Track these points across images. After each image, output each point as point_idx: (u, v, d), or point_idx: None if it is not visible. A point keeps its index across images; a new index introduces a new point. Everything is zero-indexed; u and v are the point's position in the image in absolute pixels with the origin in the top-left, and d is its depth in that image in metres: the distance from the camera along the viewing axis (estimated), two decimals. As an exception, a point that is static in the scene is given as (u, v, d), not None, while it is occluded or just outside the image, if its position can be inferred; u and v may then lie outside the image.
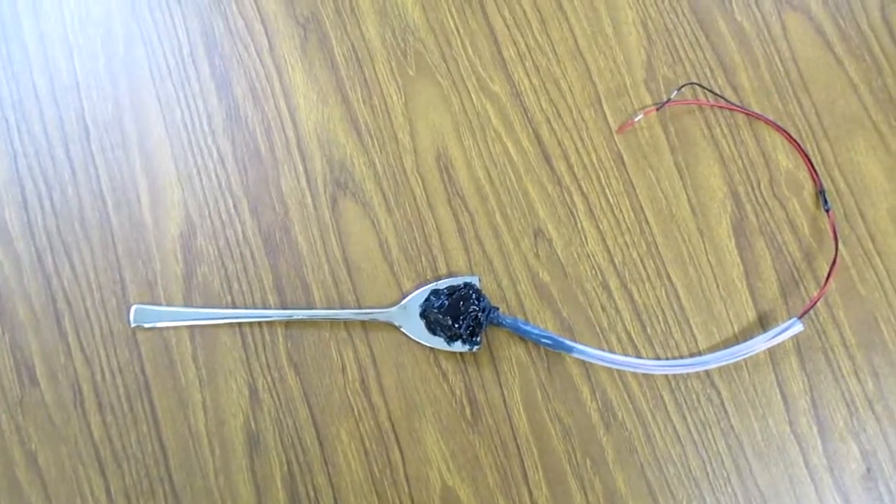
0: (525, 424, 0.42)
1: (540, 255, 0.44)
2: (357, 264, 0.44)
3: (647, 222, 0.44)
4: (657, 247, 0.44)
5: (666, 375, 0.42)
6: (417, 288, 0.43)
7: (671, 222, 0.44)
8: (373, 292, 0.43)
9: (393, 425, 0.42)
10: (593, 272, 0.43)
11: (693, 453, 0.42)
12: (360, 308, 0.43)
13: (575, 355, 0.42)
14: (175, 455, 0.41)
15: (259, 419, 0.42)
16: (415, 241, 0.44)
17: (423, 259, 0.44)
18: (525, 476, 0.41)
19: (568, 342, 0.41)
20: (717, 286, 0.43)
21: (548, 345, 0.42)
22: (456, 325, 0.41)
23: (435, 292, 0.42)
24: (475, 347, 0.42)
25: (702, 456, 0.42)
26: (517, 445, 0.42)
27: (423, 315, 0.42)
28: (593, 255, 0.44)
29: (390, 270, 0.44)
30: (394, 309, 0.42)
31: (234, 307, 0.43)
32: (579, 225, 0.44)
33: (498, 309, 0.42)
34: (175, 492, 0.41)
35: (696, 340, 0.43)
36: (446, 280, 0.43)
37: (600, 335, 0.43)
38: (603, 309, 0.43)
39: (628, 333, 0.43)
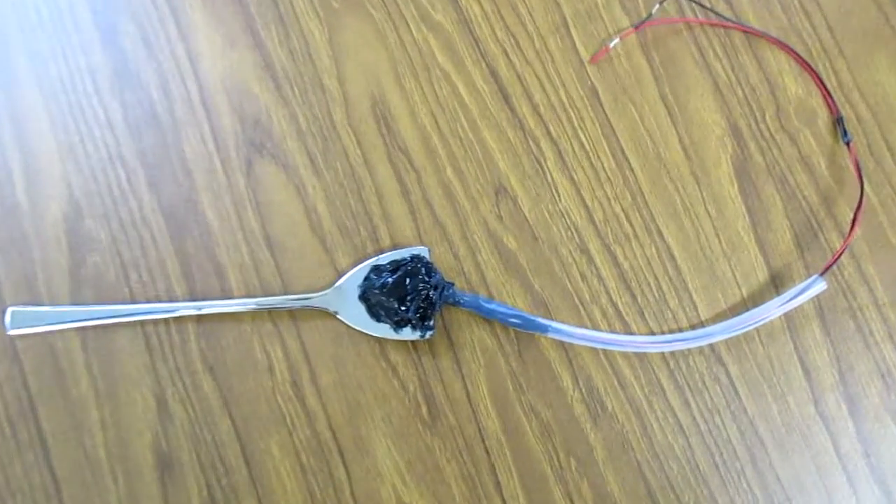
0: (495, 422, 0.34)
1: (503, 217, 0.36)
2: (281, 241, 0.36)
3: (632, 169, 0.36)
4: (644, 198, 0.36)
5: (662, 354, 0.35)
6: (355, 266, 0.35)
7: (660, 168, 0.36)
8: (302, 274, 0.36)
9: (334, 434, 0.34)
10: (569, 234, 0.36)
11: (699, 445, 0.34)
12: (286, 294, 0.35)
13: (551, 335, 0.34)
14: (69, 485, 0.34)
15: (171, 436, 0.34)
16: (350, 209, 0.36)
17: (362, 230, 0.36)
18: (497, 485, 0.34)
19: (541, 320, 0.34)
20: (720, 241, 0.36)
21: (517, 325, 0.34)
22: (403, 308, 0.34)
23: (376, 269, 0.35)
24: (428, 333, 0.34)
25: (710, 448, 0.34)
26: (486, 448, 0.34)
27: (363, 298, 0.34)
28: (568, 213, 0.36)
29: (322, 246, 0.36)
30: (328, 293, 0.35)
31: (134, 302, 0.35)
32: (549, 177, 0.36)
33: (454, 285, 0.34)
34: (72, 531, 0.34)
35: (696, 309, 0.35)
36: (389, 253, 0.35)
37: (581, 309, 0.35)
38: (583, 277, 0.35)
39: (615, 305, 0.35)
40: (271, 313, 0.35)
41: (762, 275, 0.36)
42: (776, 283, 0.35)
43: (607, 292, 0.35)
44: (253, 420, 0.34)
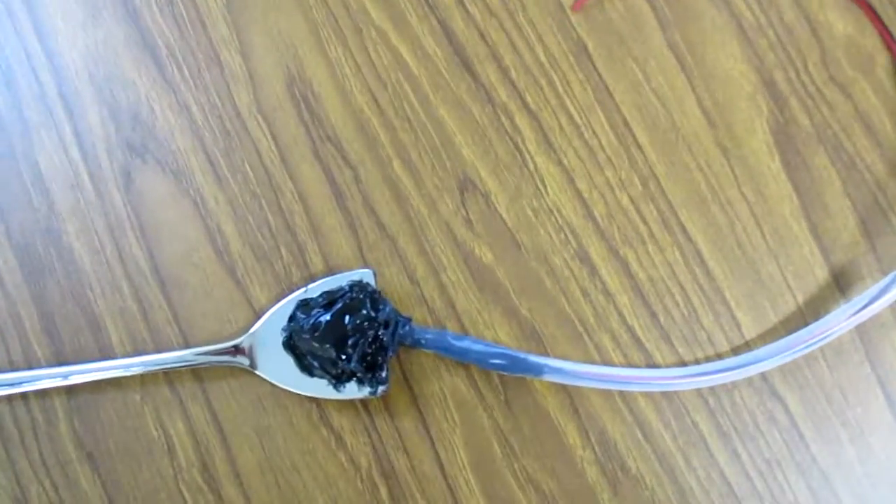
0: (480, 502, 0.25)
1: (472, 220, 0.27)
2: (175, 276, 0.27)
3: (639, 146, 0.27)
4: (659, 183, 0.27)
5: (699, 390, 0.26)
6: (277, 302, 0.26)
7: (676, 141, 0.27)
8: (206, 319, 0.26)
9: (263, 533, 0.25)
10: (561, 236, 0.27)
11: (757, 510, 0.25)
12: (187, 348, 0.26)
13: (548, 377, 0.25)
14: None
15: (38, 554, 0.25)
16: (266, 226, 0.27)
17: (284, 252, 0.27)
18: (490, 586, 0.25)
19: (534, 358, 0.25)
20: (762, 234, 0.27)
21: (501, 367, 0.25)
22: (343, 357, 0.24)
23: (304, 305, 0.25)
24: (381, 389, 0.25)
25: (771, 512, 0.26)
26: (471, 538, 0.25)
27: (289, 345, 0.25)
28: (558, 210, 0.27)
29: (231, 278, 0.27)
30: (242, 341, 0.25)
31: (-21, 372, 0.26)
32: (530, 164, 0.27)
33: (411, 319, 0.25)
34: None
35: (738, 326, 0.26)
36: (321, 282, 0.26)
37: (585, 337, 0.26)
38: (584, 294, 0.26)
39: (629, 329, 0.26)
40: (168, 375, 0.26)
41: (821, 275, 0.27)
42: (841, 286, 0.27)
43: (619, 312, 0.26)
44: (150, 523, 0.25)
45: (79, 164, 0.27)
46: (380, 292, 0.25)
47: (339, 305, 0.25)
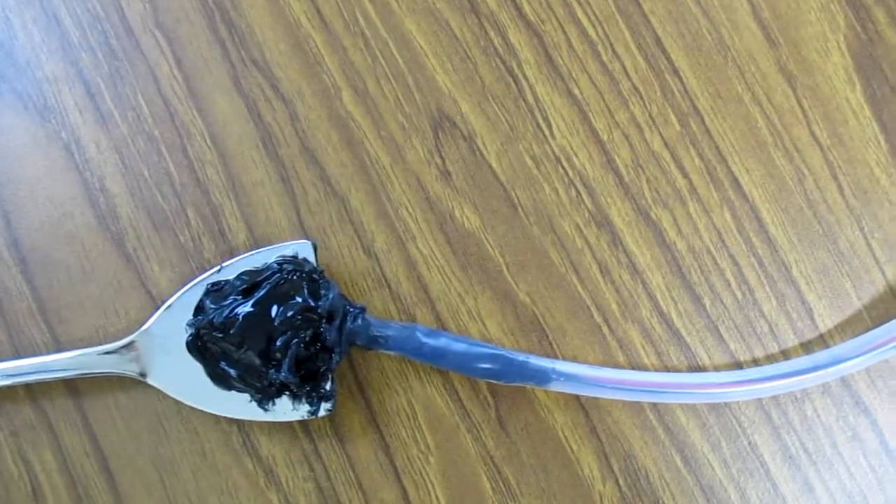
0: (464, 555, 0.19)
1: (451, 172, 0.20)
2: (41, 250, 0.19)
3: (675, 70, 0.20)
4: (702, 120, 0.20)
5: (760, 401, 0.19)
6: (181, 288, 0.19)
7: (725, 66, 0.20)
8: (83, 309, 0.19)
9: None
10: (572, 193, 0.20)
11: (836, 560, 0.19)
12: (57, 350, 0.19)
13: (556, 387, 0.18)
14: None
15: None
16: (168, 182, 0.19)
17: (191, 217, 0.19)
18: None
19: (535, 361, 0.18)
20: (840, 189, 0.20)
21: (492, 374, 0.18)
22: (272, 365, 0.17)
23: (214, 291, 0.18)
24: (325, 407, 0.18)
25: (854, 562, 0.19)
26: None
27: (195, 347, 0.18)
28: (567, 157, 0.20)
29: (117, 252, 0.19)
30: (133, 340, 0.18)
31: None
32: (528, 95, 0.20)
33: (364, 310, 0.18)
34: None
35: (809, 314, 0.20)
36: (240, 258, 0.19)
37: (605, 330, 0.19)
38: (604, 272, 0.20)
39: (664, 317, 0.19)
40: (30, 389, 0.19)
41: (920, 242, 0.20)
42: (945, 256, 0.20)
43: (650, 295, 0.19)
44: None
45: None
46: (322, 272, 0.18)
47: (264, 291, 0.18)
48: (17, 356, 0.19)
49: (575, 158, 0.20)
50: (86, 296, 0.19)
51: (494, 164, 0.20)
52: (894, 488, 0.19)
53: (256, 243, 0.19)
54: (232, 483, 0.19)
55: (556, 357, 0.19)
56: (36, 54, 0.20)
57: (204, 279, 0.18)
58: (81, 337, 0.19)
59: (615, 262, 0.20)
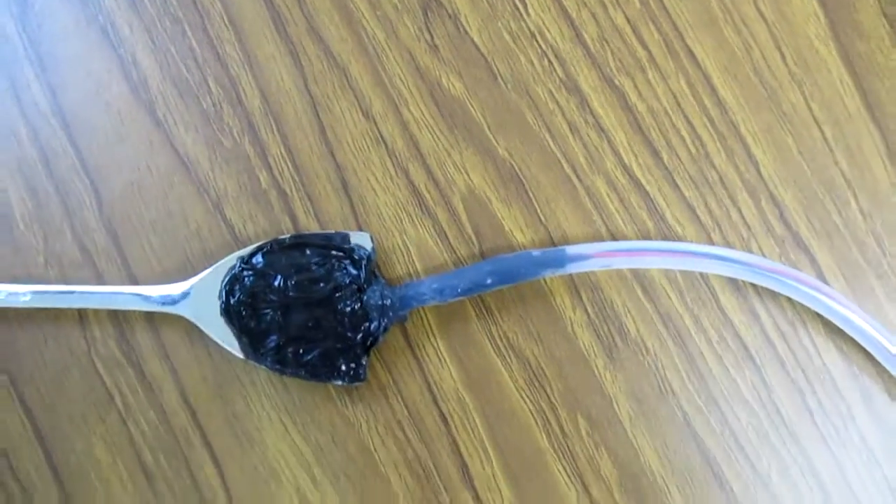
0: (452, 373, 0.22)
1: (438, 45, 0.22)
2: (82, 117, 0.22)
3: (636, -44, 0.23)
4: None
5: (711, 237, 0.22)
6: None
7: (680, -50, 0.23)
8: (120, 168, 0.22)
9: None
10: (545, 63, 0.22)
11: (779, 378, 0.22)
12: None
13: (574, 269, 0.21)
14: None
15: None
16: (192, 58, 0.22)
17: (212, 86, 0.22)
18: (464, 470, 0.21)
19: (539, 252, 0.21)
20: (783, 58, 0.23)
21: (500, 280, 0.21)
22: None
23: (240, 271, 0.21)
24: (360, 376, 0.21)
25: (796, 382, 0.22)
26: (443, 415, 0.21)
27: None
28: (540, 32, 0.22)
29: (150, 119, 0.22)
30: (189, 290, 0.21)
31: None
32: (507, -20, 0.23)
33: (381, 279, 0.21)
34: None
35: (755, 165, 0.22)
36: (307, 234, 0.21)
37: (574, 181, 0.22)
38: (573, 130, 0.22)
39: (626, 169, 0.22)
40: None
41: (852, 104, 0.22)
42: (875, 115, 0.22)
43: (614, 150, 0.22)
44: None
45: (-37, -11, 0.22)
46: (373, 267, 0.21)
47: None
48: (63, 205, 0.22)
49: (547, 33, 0.23)
50: (122, 155, 0.22)
51: (476, 39, 0.23)
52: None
53: (269, 106, 0.22)
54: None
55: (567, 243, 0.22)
56: (74, -50, 0.23)
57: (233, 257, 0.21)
58: (119, 191, 0.22)
59: (583, 122, 0.22)
